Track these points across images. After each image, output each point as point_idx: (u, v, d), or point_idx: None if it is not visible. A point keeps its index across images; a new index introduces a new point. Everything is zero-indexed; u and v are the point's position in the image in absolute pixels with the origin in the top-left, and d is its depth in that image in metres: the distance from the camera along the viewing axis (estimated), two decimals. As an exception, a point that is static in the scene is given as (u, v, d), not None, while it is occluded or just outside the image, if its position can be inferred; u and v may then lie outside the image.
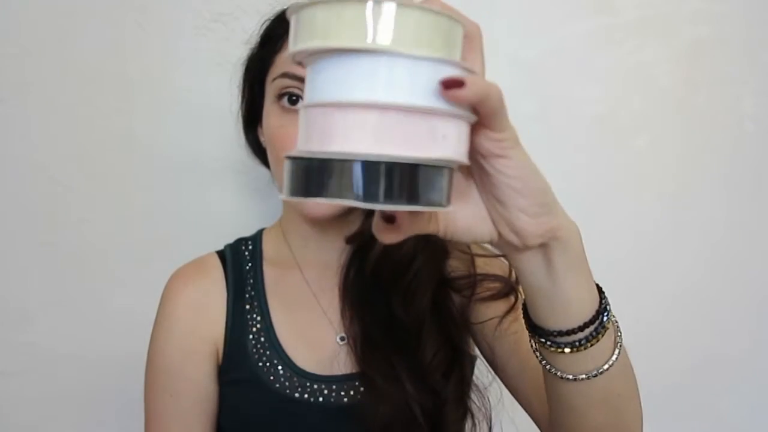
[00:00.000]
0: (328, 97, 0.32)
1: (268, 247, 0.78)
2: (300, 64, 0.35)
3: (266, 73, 0.71)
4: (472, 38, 0.37)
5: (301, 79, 0.66)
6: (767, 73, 1.04)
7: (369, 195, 0.31)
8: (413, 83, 0.32)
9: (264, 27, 0.74)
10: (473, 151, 0.38)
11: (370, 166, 0.31)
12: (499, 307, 0.70)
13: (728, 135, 1.05)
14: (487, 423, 0.74)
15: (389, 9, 0.31)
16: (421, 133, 0.32)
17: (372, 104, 0.31)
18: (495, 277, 0.71)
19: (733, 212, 1.06)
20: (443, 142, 0.33)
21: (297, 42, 0.33)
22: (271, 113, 0.69)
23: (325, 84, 0.32)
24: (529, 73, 0.99)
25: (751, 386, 1.10)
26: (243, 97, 0.78)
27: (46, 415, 0.92)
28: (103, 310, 0.92)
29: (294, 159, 0.33)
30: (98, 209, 0.91)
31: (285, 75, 0.67)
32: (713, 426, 1.09)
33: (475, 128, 0.37)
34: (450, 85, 0.33)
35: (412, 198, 0.32)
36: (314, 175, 0.32)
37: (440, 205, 0.34)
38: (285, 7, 0.74)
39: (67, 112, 0.88)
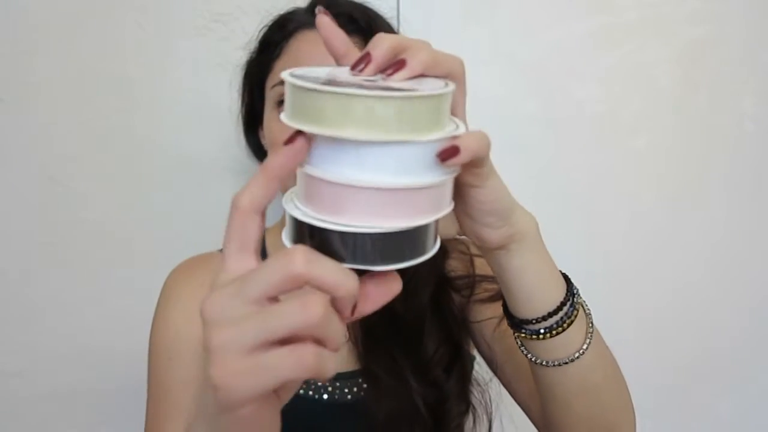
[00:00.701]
0: (324, 173, 0.35)
1: (271, 246, 0.78)
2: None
3: (265, 79, 0.71)
4: (455, 76, 0.39)
5: None
6: (767, 73, 1.04)
7: (364, 260, 0.35)
8: (396, 167, 0.35)
9: (262, 33, 0.75)
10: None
11: (363, 238, 0.35)
12: (497, 308, 0.70)
13: (728, 135, 1.05)
14: (488, 418, 0.74)
15: (372, 102, 0.33)
16: (413, 205, 0.36)
17: (361, 185, 0.34)
18: (492, 279, 0.72)
19: (733, 212, 1.06)
20: (431, 206, 0.37)
21: (294, 118, 0.36)
22: (272, 120, 0.70)
23: (320, 158, 0.36)
24: (529, 73, 0.99)
25: (751, 386, 1.10)
26: (243, 101, 0.78)
27: (46, 415, 0.92)
28: (103, 310, 0.92)
29: (298, 221, 0.36)
30: (98, 209, 0.91)
31: (283, 83, 0.67)
32: (713, 426, 1.09)
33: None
34: (446, 156, 0.35)
35: (400, 259, 0.36)
36: (318, 239, 0.36)
37: (423, 255, 0.38)
38: (281, 13, 0.75)
39: (67, 111, 0.88)
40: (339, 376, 0.70)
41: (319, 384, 0.69)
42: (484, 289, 0.72)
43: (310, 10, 0.73)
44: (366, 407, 0.68)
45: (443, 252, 0.74)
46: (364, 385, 0.70)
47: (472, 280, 0.72)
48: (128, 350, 0.90)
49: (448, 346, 0.71)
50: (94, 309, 0.92)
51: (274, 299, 0.33)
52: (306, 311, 0.31)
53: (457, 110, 0.41)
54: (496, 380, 0.74)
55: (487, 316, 0.71)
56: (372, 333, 0.70)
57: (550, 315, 0.49)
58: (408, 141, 0.34)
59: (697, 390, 1.08)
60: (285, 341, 0.32)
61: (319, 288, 0.32)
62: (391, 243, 0.36)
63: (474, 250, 0.75)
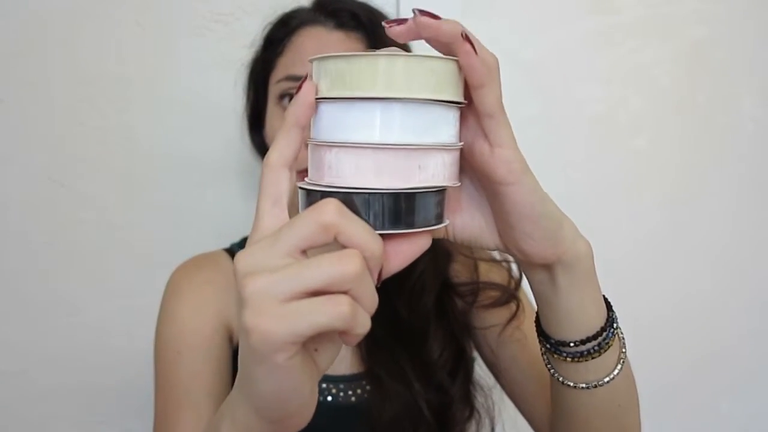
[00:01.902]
0: (325, 137, 0.37)
1: None
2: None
3: (269, 75, 0.72)
4: (490, 69, 0.37)
5: None
6: (767, 73, 1.04)
7: (378, 224, 0.36)
8: (399, 124, 0.36)
9: (266, 31, 0.75)
10: (486, 177, 0.41)
11: (363, 198, 0.35)
12: (501, 314, 0.70)
13: (728, 135, 1.05)
14: (491, 423, 0.74)
15: (378, 61, 0.35)
16: (407, 167, 0.36)
17: (360, 144, 0.36)
18: (495, 286, 0.72)
19: (733, 211, 1.06)
20: (425, 172, 0.37)
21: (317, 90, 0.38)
22: (274, 115, 0.70)
23: (323, 124, 0.37)
24: (530, 73, 0.98)
25: (751, 386, 1.10)
26: (247, 99, 0.78)
27: (46, 415, 0.92)
28: (103, 310, 0.92)
29: (304, 190, 0.38)
30: (98, 209, 0.91)
31: (287, 78, 0.68)
32: (713, 426, 1.09)
33: (488, 154, 0.39)
34: (392, 22, 0.37)
35: (402, 223, 0.36)
36: None
37: (431, 224, 0.38)
38: (286, 11, 0.75)
39: (67, 112, 0.88)
40: (342, 379, 0.70)
41: (322, 387, 0.69)
42: (487, 296, 0.72)
43: (313, 8, 0.73)
44: (369, 410, 0.68)
45: (447, 255, 0.74)
46: (368, 388, 0.70)
47: (476, 287, 0.72)
48: (128, 350, 0.90)
49: (452, 349, 0.71)
50: (94, 309, 0.92)
51: (305, 254, 0.33)
52: (342, 264, 0.32)
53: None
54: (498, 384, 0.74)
55: (490, 322, 0.71)
56: (374, 336, 0.70)
57: (588, 340, 0.46)
58: (389, 98, 0.35)
59: (697, 390, 1.08)
60: (319, 294, 0.32)
61: (349, 244, 0.33)
62: (398, 205, 0.36)
63: (478, 254, 0.75)
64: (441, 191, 0.39)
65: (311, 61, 0.38)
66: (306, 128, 0.37)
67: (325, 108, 0.37)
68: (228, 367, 0.69)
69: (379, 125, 0.36)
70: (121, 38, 0.89)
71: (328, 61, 0.36)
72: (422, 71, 0.36)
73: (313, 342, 0.34)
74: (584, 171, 1.02)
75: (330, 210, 0.32)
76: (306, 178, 0.39)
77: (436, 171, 0.37)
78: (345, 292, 0.32)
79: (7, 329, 0.90)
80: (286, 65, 0.69)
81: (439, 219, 0.39)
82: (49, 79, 0.88)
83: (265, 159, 0.36)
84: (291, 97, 0.67)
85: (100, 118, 0.89)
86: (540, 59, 0.99)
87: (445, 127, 0.38)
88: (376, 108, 0.36)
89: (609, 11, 1.00)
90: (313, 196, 0.37)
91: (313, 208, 0.33)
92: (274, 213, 0.36)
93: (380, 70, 0.35)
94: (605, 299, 0.49)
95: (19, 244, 0.90)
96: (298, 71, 0.67)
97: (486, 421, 0.74)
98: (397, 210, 0.36)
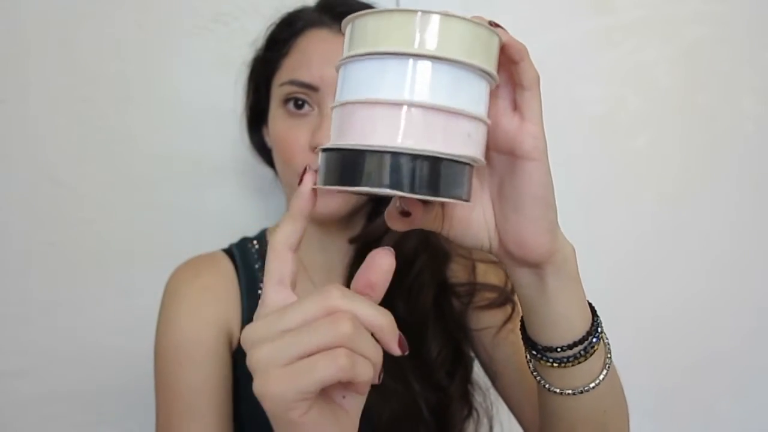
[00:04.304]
0: (361, 95, 0.35)
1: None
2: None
3: (272, 76, 0.72)
4: (526, 49, 0.39)
5: (307, 86, 0.67)
6: (767, 73, 1.04)
7: (397, 185, 0.34)
8: (441, 85, 0.34)
9: (270, 31, 0.75)
10: (509, 151, 0.41)
11: (399, 158, 0.34)
12: (496, 316, 0.70)
13: (728, 135, 1.05)
14: (489, 422, 0.74)
15: (421, 17, 0.34)
16: (446, 131, 0.35)
17: (401, 102, 0.34)
18: (492, 287, 0.72)
19: (733, 212, 1.06)
20: (467, 140, 0.36)
21: (350, 48, 0.37)
22: (277, 117, 0.70)
23: (358, 83, 0.36)
24: (529, 73, 0.98)
25: (751, 386, 1.10)
26: (248, 98, 0.78)
27: (45, 415, 0.92)
28: (103, 310, 0.92)
29: (328, 151, 0.36)
30: (98, 209, 0.91)
31: (292, 82, 0.68)
32: (713, 426, 1.09)
33: (516, 128, 0.41)
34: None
35: (435, 190, 0.35)
36: (346, 165, 0.35)
37: (461, 198, 0.37)
38: (289, 11, 0.75)
39: (67, 112, 0.88)
40: None
41: None
42: (483, 297, 0.72)
43: (318, 9, 0.73)
44: (368, 409, 0.68)
45: (445, 255, 0.74)
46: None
47: (473, 288, 0.72)
48: (128, 350, 0.90)
49: (451, 348, 0.71)
50: (94, 309, 0.92)
51: None
52: (336, 327, 0.34)
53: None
54: (496, 383, 0.74)
55: (486, 324, 0.71)
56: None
57: (575, 344, 0.47)
58: (432, 57, 0.34)
59: (697, 392, 1.08)
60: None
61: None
62: (427, 169, 0.34)
63: (476, 254, 0.75)
64: (472, 166, 0.38)
65: (345, 23, 0.38)
66: (308, 215, 0.39)
67: (360, 66, 0.36)
68: (229, 373, 0.69)
69: (429, 85, 0.34)
70: (121, 38, 0.89)
71: (364, 18, 0.36)
72: (480, 41, 0.35)
73: (338, 391, 0.37)
74: (584, 171, 1.02)
75: (335, 295, 0.35)
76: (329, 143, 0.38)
77: (477, 143, 0.37)
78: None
79: (7, 329, 0.90)
80: (290, 68, 0.69)
81: (467, 196, 0.37)
82: (49, 79, 0.88)
83: (270, 242, 0.39)
84: (295, 100, 0.68)
85: (100, 118, 0.89)
86: (539, 59, 0.98)
87: (484, 103, 0.37)
88: (419, 65, 0.34)
89: (609, 11, 1.00)
90: (334, 156, 0.35)
91: (319, 292, 0.35)
92: (278, 290, 0.39)
93: (426, 26, 0.34)
94: (590, 305, 0.49)
95: (19, 244, 0.90)
96: (303, 76, 0.67)
97: (484, 421, 0.74)
98: (428, 175, 0.34)
